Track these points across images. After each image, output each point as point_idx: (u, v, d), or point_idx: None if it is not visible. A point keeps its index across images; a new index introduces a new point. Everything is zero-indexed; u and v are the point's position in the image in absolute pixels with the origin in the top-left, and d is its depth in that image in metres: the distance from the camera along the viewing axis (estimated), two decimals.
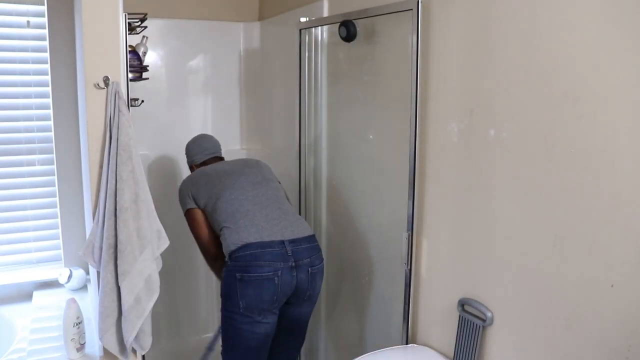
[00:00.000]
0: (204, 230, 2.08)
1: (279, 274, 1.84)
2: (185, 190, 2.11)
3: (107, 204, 1.61)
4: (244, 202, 1.98)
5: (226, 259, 1.93)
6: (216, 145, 2.31)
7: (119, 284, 1.63)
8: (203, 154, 2.26)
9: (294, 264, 1.87)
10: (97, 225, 1.64)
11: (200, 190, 2.06)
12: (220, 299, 1.94)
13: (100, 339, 1.65)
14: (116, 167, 1.60)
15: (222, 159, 2.31)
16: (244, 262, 1.85)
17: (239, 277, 1.85)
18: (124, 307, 1.64)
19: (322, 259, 1.99)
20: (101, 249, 1.64)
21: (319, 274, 1.97)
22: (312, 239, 1.97)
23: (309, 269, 1.91)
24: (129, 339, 1.62)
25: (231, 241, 1.90)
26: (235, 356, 1.94)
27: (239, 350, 1.92)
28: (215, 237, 2.06)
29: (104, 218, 1.62)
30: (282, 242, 1.88)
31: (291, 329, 2.01)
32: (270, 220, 1.94)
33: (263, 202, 1.99)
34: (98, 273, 1.68)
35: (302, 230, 1.96)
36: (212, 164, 2.22)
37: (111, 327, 1.65)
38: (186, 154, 2.32)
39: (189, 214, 2.10)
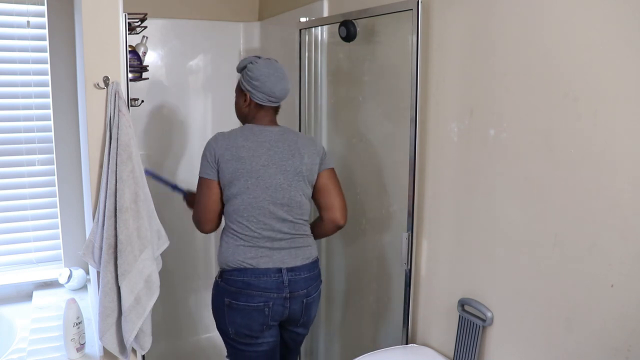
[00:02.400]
0: (211, 206, 1.81)
1: (270, 304, 1.74)
2: (213, 159, 1.77)
3: (107, 204, 1.61)
4: (253, 225, 1.75)
5: (218, 273, 1.83)
6: (285, 94, 1.84)
7: (119, 284, 1.63)
8: (268, 98, 1.80)
9: (288, 294, 1.75)
10: (97, 225, 1.64)
11: (226, 173, 1.75)
12: None
13: (100, 339, 1.65)
14: (116, 167, 1.60)
15: (277, 110, 1.89)
16: (234, 287, 1.74)
17: (227, 303, 1.75)
18: (124, 307, 1.64)
19: (320, 285, 1.88)
20: (101, 249, 1.64)
21: (315, 303, 1.87)
22: (313, 266, 1.83)
23: (304, 300, 1.80)
24: (129, 339, 1.62)
25: (227, 258, 1.76)
26: None
27: None
28: (218, 217, 1.86)
29: (104, 218, 1.62)
30: (280, 270, 1.75)
31: (287, 346, 1.96)
32: (275, 241, 1.77)
33: (274, 226, 1.76)
34: (98, 273, 1.68)
35: (305, 256, 1.81)
36: (260, 128, 1.81)
37: (111, 327, 1.65)
38: (248, 76, 1.81)
39: (204, 183, 1.80)
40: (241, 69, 1.87)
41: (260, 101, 1.81)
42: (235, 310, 1.75)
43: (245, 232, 1.76)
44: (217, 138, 1.80)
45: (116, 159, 1.60)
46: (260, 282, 1.73)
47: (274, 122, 1.87)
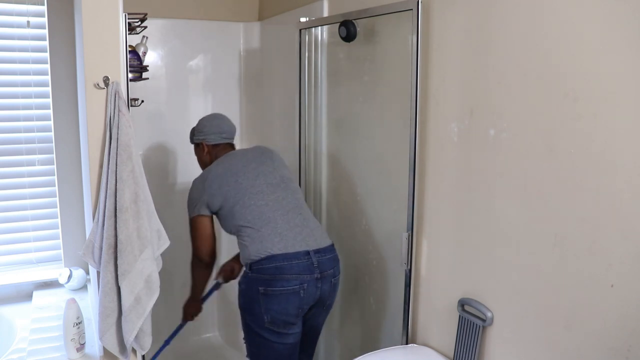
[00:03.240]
0: (207, 241, 2.01)
1: (305, 286, 1.78)
2: (198, 196, 1.99)
3: (107, 204, 1.61)
4: (264, 209, 1.87)
5: (245, 268, 1.86)
6: (233, 130, 2.16)
7: (119, 284, 1.63)
8: (220, 136, 2.11)
9: (319, 275, 1.81)
10: (97, 225, 1.64)
11: (216, 195, 1.94)
12: (242, 310, 1.89)
13: (100, 339, 1.65)
14: (116, 167, 1.60)
15: (233, 146, 2.18)
16: (268, 274, 1.77)
17: (262, 291, 1.78)
18: (124, 307, 1.64)
19: (340, 268, 1.95)
20: (101, 249, 1.64)
21: (338, 284, 1.94)
22: (333, 248, 1.91)
23: (332, 279, 1.87)
24: (129, 339, 1.62)
25: (253, 251, 1.81)
26: None
27: None
28: (214, 243, 2.03)
29: (104, 218, 1.62)
30: (308, 252, 1.81)
31: (307, 335, 1.98)
32: (293, 227, 1.85)
33: (284, 206, 1.89)
34: (98, 273, 1.68)
35: (324, 239, 1.90)
36: (224, 156, 2.06)
37: (111, 327, 1.65)
38: (197, 130, 2.14)
39: (196, 221, 2.00)
40: (192, 135, 2.19)
41: (214, 141, 2.11)
42: (271, 297, 1.78)
43: (260, 219, 1.85)
44: (193, 182, 2.04)
45: (116, 159, 1.60)
46: (293, 265, 1.78)
47: (234, 149, 2.16)
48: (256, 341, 1.87)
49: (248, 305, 1.84)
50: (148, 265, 1.65)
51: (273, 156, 2.06)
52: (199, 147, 2.17)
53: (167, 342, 2.38)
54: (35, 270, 2.36)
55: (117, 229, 1.61)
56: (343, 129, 2.18)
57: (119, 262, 1.62)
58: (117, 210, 1.60)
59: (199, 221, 1.99)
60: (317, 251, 1.83)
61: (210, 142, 2.11)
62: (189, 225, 2.04)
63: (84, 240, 1.77)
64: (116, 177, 1.60)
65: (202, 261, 2.07)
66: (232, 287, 2.94)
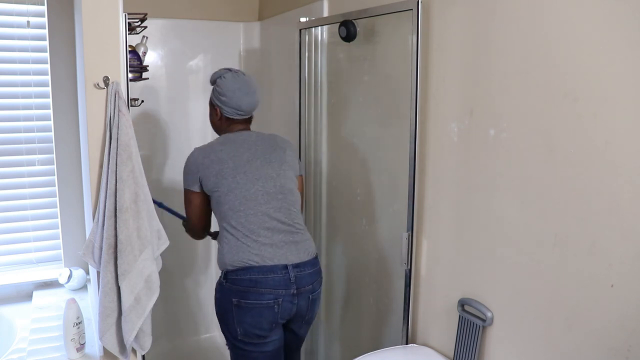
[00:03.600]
0: (197, 215, 1.92)
1: (280, 301, 1.74)
2: (194, 169, 1.85)
3: (107, 204, 1.61)
4: (251, 218, 1.78)
5: (220, 275, 1.82)
6: (252, 107, 1.93)
7: (119, 284, 1.63)
8: (236, 112, 1.90)
9: (295, 290, 1.76)
10: (97, 225, 1.64)
11: (210, 177, 1.82)
12: None
13: (100, 339, 1.65)
14: (116, 167, 1.60)
15: (249, 122, 1.98)
16: (242, 286, 1.73)
17: (236, 303, 1.74)
18: (124, 307, 1.64)
19: (322, 281, 1.91)
20: (101, 249, 1.64)
21: (319, 299, 1.90)
22: (315, 261, 1.86)
23: (310, 295, 1.82)
24: (129, 339, 1.62)
25: (229, 259, 1.77)
26: None
27: None
28: (208, 220, 1.96)
29: (104, 218, 1.62)
30: (286, 266, 1.75)
31: (288, 345, 1.95)
32: (276, 241, 1.78)
33: (273, 219, 1.80)
34: (98, 273, 1.68)
35: (307, 251, 1.83)
36: (235, 136, 1.90)
37: (111, 327, 1.65)
38: (218, 92, 1.92)
39: (188, 194, 1.90)
40: (212, 82, 1.98)
41: (229, 115, 1.92)
42: (244, 310, 1.74)
43: (244, 227, 1.77)
44: (194, 151, 1.90)
45: (116, 159, 1.60)
46: (268, 279, 1.73)
47: (248, 129, 1.98)
48: (234, 350, 1.85)
49: (222, 315, 1.82)
50: (148, 265, 1.65)
51: (284, 155, 1.89)
52: (213, 108, 1.97)
53: (165, 207, 2.18)
54: (35, 270, 2.36)
55: (117, 229, 1.61)
56: (343, 128, 2.18)
57: (119, 262, 1.62)
58: (117, 210, 1.60)
59: (191, 196, 1.89)
60: (297, 265, 1.77)
61: (228, 115, 1.92)
62: (184, 196, 1.93)
63: (84, 240, 1.77)
64: (116, 177, 1.60)
65: (194, 230, 2.02)
66: None
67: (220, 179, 1.81)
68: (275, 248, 1.77)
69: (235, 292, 1.75)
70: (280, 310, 1.76)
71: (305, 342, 2.40)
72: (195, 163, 1.86)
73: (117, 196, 1.60)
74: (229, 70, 1.95)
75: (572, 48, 1.18)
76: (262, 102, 2.01)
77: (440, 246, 1.65)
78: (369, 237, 2.05)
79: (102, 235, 1.63)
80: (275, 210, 1.80)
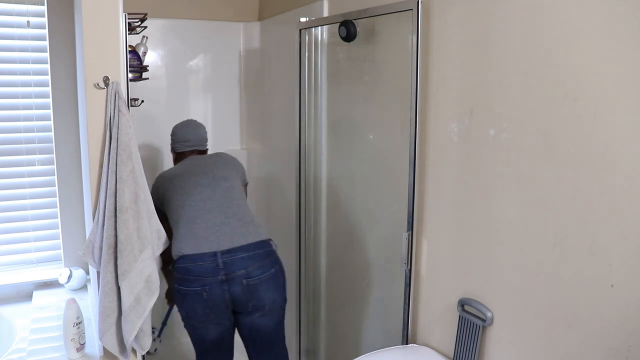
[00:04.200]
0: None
1: (207, 289, 1.79)
2: (154, 192, 2.06)
3: (107, 203, 1.61)
4: (187, 209, 1.93)
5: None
6: (200, 137, 2.25)
7: (119, 284, 1.63)
8: (184, 144, 2.23)
9: (224, 277, 1.79)
10: (97, 225, 1.64)
11: (157, 196, 2.02)
12: None
13: (100, 339, 1.65)
14: (116, 167, 1.60)
15: (203, 152, 2.27)
16: (179, 274, 1.85)
17: (177, 289, 1.87)
18: (124, 307, 1.64)
19: (270, 267, 1.87)
20: (101, 249, 1.64)
21: (264, 284, 1.85)
22: (254, 246, 1.86)
23: (244, 281, 1.81)
24: (129, 338, 1.62)
25: (173, 250, 1.89)
26: (196, 354, 1.98)
27: (196, 350, 1.96)
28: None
29: (104, 218, 1.62)
30: (215, 253, 1.81)
31: (254, 340, 1.94)
32: (211, 227, 1.88)
33: (207, 206, 1.93)
34: (98, 273, 1.68)
35: (244, 237, 1.86)
36: (189, 158, 2.20)
37: (111, 327, 1.65)
38: (171, 136, 2.30)
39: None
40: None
41: (180, 149, 2.23)
42: (182, 295, 1.85)
43: (180, 223, 1.91)
44: (157, 179, 2.15)
45: (116, 159, 1.60)
46: (197, 267, 1.81)
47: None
48: (187, 330, 1.95)
49: (174, 299, 1.95)
50: (148, 265, 1.65)
51: (220, 159, 2.14)
52: (172, 153, 2.31)
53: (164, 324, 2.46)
54: (35, 270, 2.36)
55: (117, 229, 1.61)
56: (343, 129, 2.18)
57: (119, 262, 1.62)
58: (117, 210, 1.60)
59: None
60: (228, 251, 1.81)
61: (177, 150, 2.25)
62: None
63: (84, 240, 1.77)
64: (116, 177, 1.60)
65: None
66: None
67: (161, 190, 2.07)
68: (209, 234, 1.86)
69: (176, 280, 1.86)
70: (210, 298, 1.79)
71: (305, 342, 2.40)
72: (155, 189, 2.09)
73: (117, 196, 1.60)
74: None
75: (572, 48, 1.18)
76: (208, 139, 2.34)
77: (440, 246, 1.65)
78: (369, 237, 2.05)
79: (102, 236, 1.63)
80: (208, 197, 1.95)
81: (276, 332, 1.96)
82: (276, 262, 1.91)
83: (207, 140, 2.29)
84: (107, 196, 1.60)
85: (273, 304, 1.89)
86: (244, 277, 1.81)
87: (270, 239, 1.94)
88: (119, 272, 1.63)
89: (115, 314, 1.65)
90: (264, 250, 1.88)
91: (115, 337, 1.66)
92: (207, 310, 1.82)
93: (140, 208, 1.66)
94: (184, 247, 1.86)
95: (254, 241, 1.87)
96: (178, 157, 2.26)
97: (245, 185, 2.19)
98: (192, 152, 2.24)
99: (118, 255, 1.61)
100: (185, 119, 2.85)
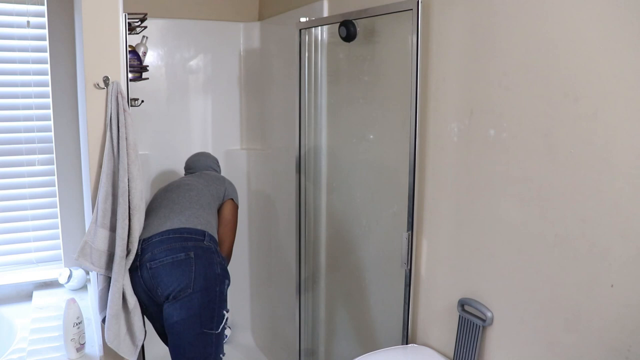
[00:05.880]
0: None
1: (132, 275, 1.75)
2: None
3: (120, 203, 1.61)
4: (149, 207, 2.00)
5: None
6: (201, 165, 2.39)
7: (124, 284, 1.64)
8: (187, 171, 2.40)
9: (138, 263, 1.75)
10: (96, 225, 1.64)
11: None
12: None
13: (110, 342, 1.65)
14: (128, 166, 1.60)
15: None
16: None
17: None
18: (131, 307, 1.65)
19: (179, 252, 1.74)
20: (100, 250, 1.65)
21: (167, 268, 1.72)
22: (172, 232, 1.78)
23: (148, 264, 1.73)
24: (141, 337, 1.63)
25: None
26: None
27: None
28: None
29: (115, 219, 1.62)
30: (141, 241, 1.78)
31: (168, 333, 1.79)
32: (153, 218, 1.90)
33: (162, 204, 1.98)
34: (97, 274, 1.68)
35: (169, 224, 1.83)
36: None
37: (122, 328, 1.66)
38: None
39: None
40: None
41: (185, 173, 2.42)
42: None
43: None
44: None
45: (127, 158, 1.60)
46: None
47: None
48: None
49: None
50: None
51: (206, 176, 2.24)
52: None
53: None
54: (35, 270, 2.36)
55: (131, 228, 1.62)
56: (343, 129, 2.18)
57: (127, 262, 1.63)
58: (131, 209, 1.61)
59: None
60: (147, 238, 1.78)
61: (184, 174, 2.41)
62: None
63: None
64: (128, 175, 1.60)
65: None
66: (237, 290, 2.95)
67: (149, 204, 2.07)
68: (146, 226, 1.83)
69: None
70: (134, 286, 1.76)
71: (305, 341, 2.40)
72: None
73: (130, 195, 1.60)
74: None
75: (572, 48, 1.18)
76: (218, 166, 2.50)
77: (440, 246, 1.65)
78: (369, 237, 2.05)
79: (108, 238, 1.63)
80: (169, 202, 1.96)
81: (188, 327, 1.72)
82: (192, 249, 1.75)
83: (213, 168, 2.41)
84: (120, 196, 1.60)
85: (180, 292, 1.70)
86: (148, 261, 1.73)
87: (205, 231, 1.84)
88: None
89: (125, 316, 1.66)
90: (180, 235, 1.78)
91: (127, 338, 1.67)
92: (142, 297, 1.78)
93: (143, 204, 1.67)
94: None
95: (175, 227, 1.80)
96: None
97: (231, 204, 2.18)
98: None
99: (129, 255, 1.62)
100: (185, 118, 2.86)
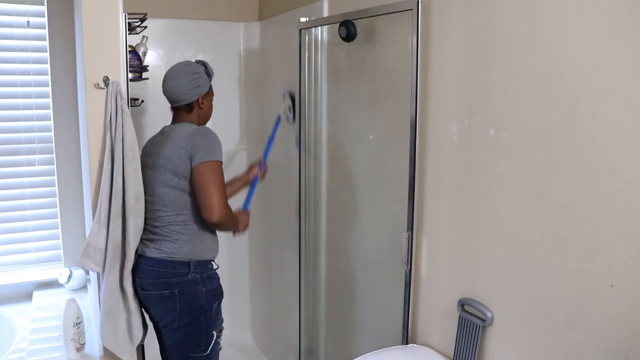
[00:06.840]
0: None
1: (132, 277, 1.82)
2: (219, 145, 1.79)
3: (112, 204, 1.60)
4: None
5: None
6: (170, 93, 1.85)
7: (124, 285, 1.64)
8: (167, 99, 1.90)
9: (139, 279, 1.81)
10: (100, 226, 1.64)
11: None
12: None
13: (104, 341, 1.65)
14: (123, 167, 1.60)
15: (186, 112, 1.88)
16: None
17: None
18: (132, 308, 1.65)
19: (164, 287, 1.74)
20: (102, 250, 1.64)
21: (152, 300, 1.77)
22: (157, 263, 1.76)
23: (139, 287, 1.78)
24: (139, 336, 1.63)
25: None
26: None
27: None
28: None
29: (109, 219, 1.62)
30: (138, 255, 1.82)
31: (163, 349, 1.92)
32: (145, 232, 1.81)
33: (147, 208, 1.79)
34: (98, 274, 1.68)
35: (158, 249, 1.77)
36: (168, 126, 1.89)
37: (115, 327, 1.66)
38: (210, 75, 1.95)
39: (220, 167, 1.80)
40: (210, 79, 1.95)
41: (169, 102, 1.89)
42: None
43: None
44: (213, 132, 1.82)
45: (122, 159, 1.60)
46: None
47: (177, 121, 1.89)
48: None
49: None
50: None
51: (168, 139, 1.78)
52: (209, 95, 1.93)
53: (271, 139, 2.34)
54: (35, 270, 2.36)
55: (125, 229, 1.62)
56: (343, 128, 2.18)
57: (126, 263, 1.63)
58: (125, 210, 1.60)
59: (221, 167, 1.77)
60: (141, 256, 1.79)
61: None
62: (213, 169, 1.73)
63: (84, 240, 1.77)
64: (123, 176, 1.60)
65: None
66: (237, 290, 2.94)
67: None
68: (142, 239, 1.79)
69: None
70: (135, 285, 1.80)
71: (305, 341, 2.40)
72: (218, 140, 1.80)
73: (125, 195, 1.60)
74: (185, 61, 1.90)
75: (572, 48, 1.18)
76: (194, 90, 1.84)
77: (440, 246, 1.65)
78: (369, 237, 2.05)
79: (107, 237, 1.63)
80: (148, 211, 1.76)
81: (176, 352, 1.81)
82: (176, 286, 1.73)
83: (185, 93, 1.83)
84: (114, 196, 1.60)
85: (166, 325, 1.78)
86: (138, 285, 1.77)
87: (190, 261, 1.74)
88: (125, 273, 1.63)
89: (122, 315, 1.66)
90: (164, 270, 1.73)
91: (124, 337, 1.67)
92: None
93: (141, 206, 1.66)
94: None
95: (159, 258, 1.73)
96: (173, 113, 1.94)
97: (200, 168, 1.70)
98: (178, 109, 1.90)
99: (125, 255, 1.62)
100: None
